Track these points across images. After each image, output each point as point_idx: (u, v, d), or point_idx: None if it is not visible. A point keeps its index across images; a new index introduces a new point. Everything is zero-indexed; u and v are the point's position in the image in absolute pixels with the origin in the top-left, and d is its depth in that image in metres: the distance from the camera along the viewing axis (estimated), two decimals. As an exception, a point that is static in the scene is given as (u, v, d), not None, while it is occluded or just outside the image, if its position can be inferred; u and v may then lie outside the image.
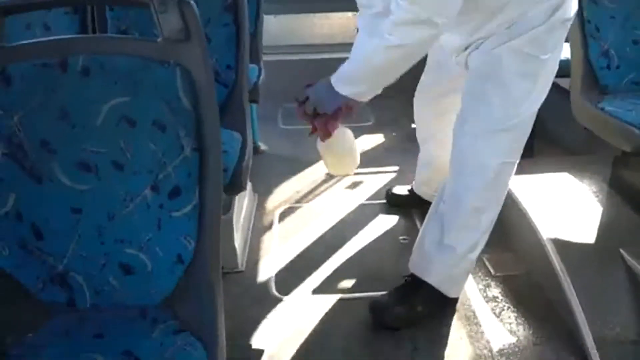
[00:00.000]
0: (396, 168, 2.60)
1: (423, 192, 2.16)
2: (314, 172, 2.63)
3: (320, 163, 2.70)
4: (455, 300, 1.69)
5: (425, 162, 2.09)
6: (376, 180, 2.50)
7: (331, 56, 3.57)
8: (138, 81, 1.01)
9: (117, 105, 1.01)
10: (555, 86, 2.73)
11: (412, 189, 2.24)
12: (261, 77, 2.34)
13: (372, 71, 1.40)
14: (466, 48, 1.51)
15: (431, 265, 1.61)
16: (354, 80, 1.42)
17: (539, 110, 2.56)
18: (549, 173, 2.10)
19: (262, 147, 2.91)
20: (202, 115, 1.02)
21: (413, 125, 3.19)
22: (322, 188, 2.48)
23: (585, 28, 1.86)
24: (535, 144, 2.60)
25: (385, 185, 2.45)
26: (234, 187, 1.47)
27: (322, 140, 1.53)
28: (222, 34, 1.75)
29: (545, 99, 2.61)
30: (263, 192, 2.42)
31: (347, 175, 1.82)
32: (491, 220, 1.58)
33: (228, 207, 1.91)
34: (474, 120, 1.49)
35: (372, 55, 1.37)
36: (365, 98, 1.46)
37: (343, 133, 1.57)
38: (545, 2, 1.38)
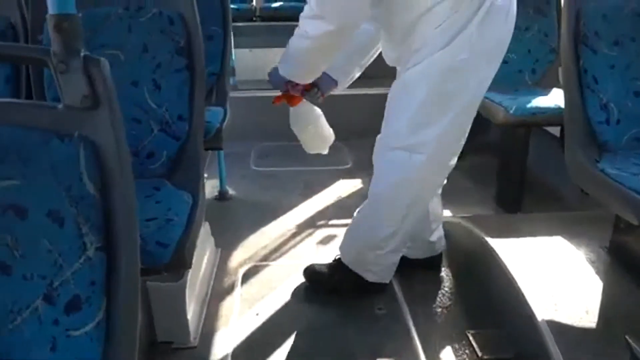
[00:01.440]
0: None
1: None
2: (284, 221, 2.42)
3: (292, 212, 2.52)
4: (380, 285, 1.87)
5: None
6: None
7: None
8: (30, 160, 0.79)
9: (3, 190, 0.79)
10: (545, 134, 2.60)
11: None
12: (226, 121, 2.12)
13: (294, 55, 1.58)
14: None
15: (343, 249, 1.91)
16: (286, 63, 1.63)
17: (528, 159, 2.42)
18: (540, 236, 1.89)
19: (230, 191, 2.69)
20: (113, 203, 0.80)
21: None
22: (292, 242, 2.26)
23: (581, 79, 1.68)
24: (524, 197, 2.43)
25: (361, 241, 2.22)
26: (176, 265, 1.23)
27: (292, 104, 1.74)
28: (173, 80, 1.54)
29: (536, 147, 2.49)
30: (227, 247, 2.19)
31: (321, 152, 1.89)
32: (389, 232, 1.75)
33: (182, 273, 1.67)
34: (381, 135, 1.70)
35: (292, 42, 1.56)
36: (299, 79, 1.66)
37: (311, 107, 1.77)
38: (437, 38, 1.49)
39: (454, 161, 1.70)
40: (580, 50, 1.67)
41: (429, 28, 1.50)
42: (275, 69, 1.67)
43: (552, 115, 2.19)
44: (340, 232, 2.30)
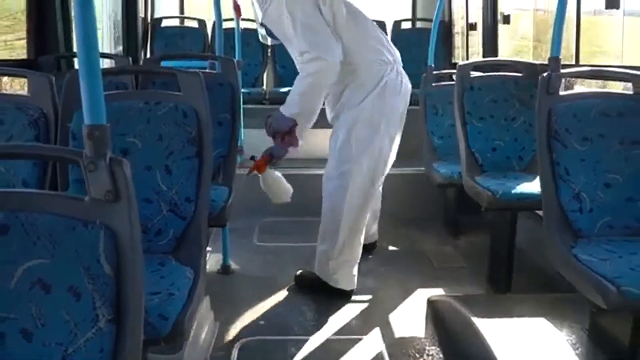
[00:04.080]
0: (369, 297, 2.48)
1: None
2: (283, 297, 2.51)
3: (291, 287, 2.62)
4: (344, 292, 2.44)
5: None
6: (347, 312, 2.37)
7: (314, 172, 3.58)
8: (58, 242, 0.93)
9: (33, 268, 0.93)
10: (534, 216, 2.73)
11: None
12: (230, 200, 2.28)
13: (299, 95, 2.26)
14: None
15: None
16: (292, 105, 2.27)
17: (518, 240, 2.54)
18: (525, 317, 1.98)
19: (233, 266, 2.81)
20: (124, 282, 0.94)
21: (391, 248, 3.14)
22: (290, 318, 2.34)
23: (555, 170, 1.84)
24: (514, 277, 2.53)
25: (355, 317, 2.32)
26: (174, 337, 1.34)
27: (260, 172, 2.38)
28: (184, 166, 1.71)
29: (525, 229, 2.61)
30: (226, 320, 2.28)
31: (285, 202, 2.47)
32: (335, 239, 2.39)
33: (180, 345, 1.77)
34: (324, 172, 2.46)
35: (297, 85, 2.26)
36: (301, 118, 2.27)
37: (273, 172, 2.42)
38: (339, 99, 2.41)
39: (373, 189, 2.42)
40: (553, 144, 1.84)
41: (349, 94, 2.34)
42: (279, 115, 2.27)
43: (535, 201, 2.32)
44: (338, 308, 2.41)
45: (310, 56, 2.17)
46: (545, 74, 1.89)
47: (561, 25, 1.88)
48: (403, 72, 2.42)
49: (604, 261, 1.60)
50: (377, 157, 2.36)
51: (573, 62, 2.80)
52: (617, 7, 2.32)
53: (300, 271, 2.58)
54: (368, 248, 2.85)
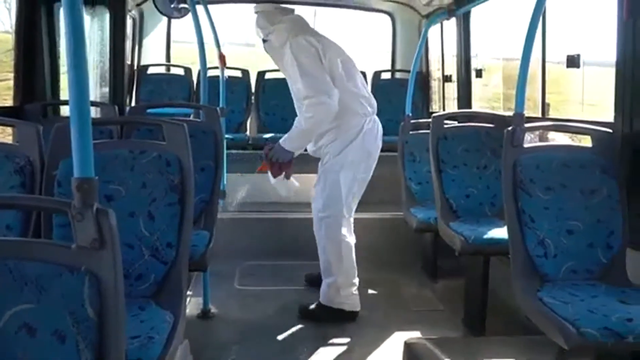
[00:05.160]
0: (347, 340, 2.51)
1: None
2: (263, 342, 2.53)
3: (271, 331, 2.64)
4: (354, 313, 2.75)
5: None
6: (325, 355, 2.40)
7: (294, 216, 3.66)
8: (45, 288, 0.99)
9: (20, 312, 0.98)
10: (507, 261, 2.82)
11: None
12: (211, 244, 2.33)
13: (302, 132, 2.65)
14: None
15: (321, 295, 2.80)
16: (293, 140, 2.67)
17: (492, 283, 2.62)
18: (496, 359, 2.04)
19: (213, 310, 2.83)
20: (107, 326, 0.99)
21: (370, 291, 3.18)
22: (269, 361, 2.37)
23: (520, 218, 1.94)
24: (489, 319, 2.59)
25: (333, 360, 2.35)
26: (155, 381, 1.38)
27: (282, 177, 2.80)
28: (166, 212, 1.78)
29: (496, 274, 2.70)
30: (203, 366, 2.29)
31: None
32: (341, 270, 2.72)
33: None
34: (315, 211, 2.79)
35: (301, 123, 2.63)
36: (299, 151, 2.74)
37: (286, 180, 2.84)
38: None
39: (352, 218, 2.77)
40: (518, 194, 1.95)
41: (331, 138, 2.70)
42: (280, 148, 2.66)
43: (506, 246, 2.41)
44: (317, 352, 2.44)
45: (313, 101, 2.53)
46: (510, 128, 2.02)
47: (524, 84, 2.01)
48: (377, 119, 2.80)
49: (566, 304, 1.69)
50: (355, 193, 2.75)
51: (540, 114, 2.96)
52: (578, 67, 2.49)
53: (304, 306, 2.79)
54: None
